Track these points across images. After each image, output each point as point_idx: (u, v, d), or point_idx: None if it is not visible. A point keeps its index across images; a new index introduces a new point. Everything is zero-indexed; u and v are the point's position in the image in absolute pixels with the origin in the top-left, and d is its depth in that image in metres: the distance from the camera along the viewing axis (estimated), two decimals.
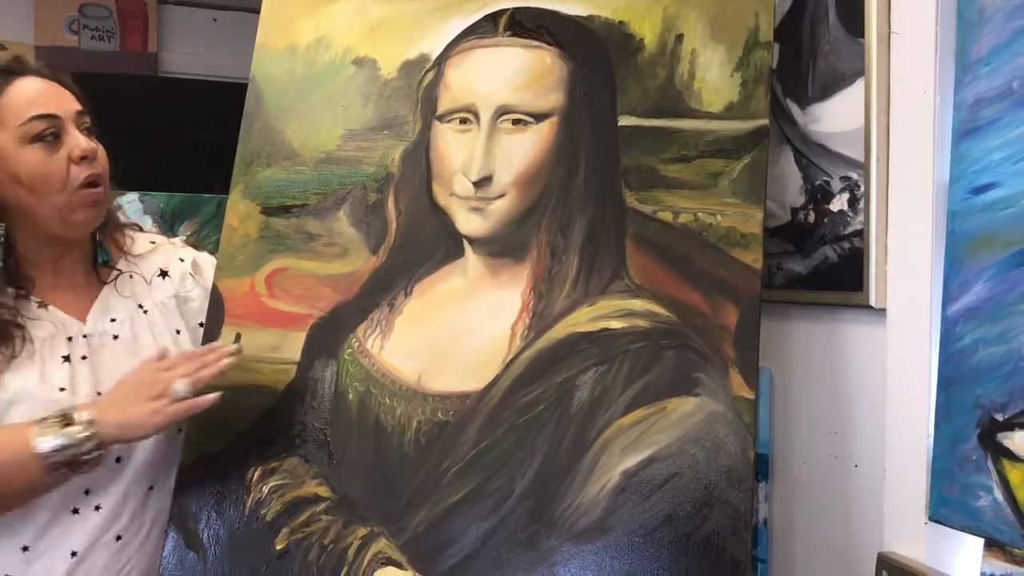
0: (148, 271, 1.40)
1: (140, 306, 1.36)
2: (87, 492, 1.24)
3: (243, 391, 1.31)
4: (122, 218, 1.43)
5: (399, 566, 1.18)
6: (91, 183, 1.26)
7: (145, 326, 1.35)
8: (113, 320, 1.32)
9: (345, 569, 1.20)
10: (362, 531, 1.21)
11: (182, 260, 1.44)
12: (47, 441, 1.12)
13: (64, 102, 1.28)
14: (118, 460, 1.26)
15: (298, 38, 1.43)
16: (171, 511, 1.29)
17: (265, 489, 1.27)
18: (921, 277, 1.12)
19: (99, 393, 1.25)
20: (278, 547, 1.23)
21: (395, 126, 1.36)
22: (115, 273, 1.36)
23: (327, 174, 1.37)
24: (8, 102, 1.24)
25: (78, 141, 1.26)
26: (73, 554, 1.23)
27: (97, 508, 1.25)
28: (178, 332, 1.38)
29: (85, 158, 1.25)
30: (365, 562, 1.20)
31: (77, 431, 1.13)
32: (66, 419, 1.13)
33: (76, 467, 1.14)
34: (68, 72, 1.35)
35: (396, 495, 1.21)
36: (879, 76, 1.20)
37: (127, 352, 1.30)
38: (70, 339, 1.27)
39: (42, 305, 1.28)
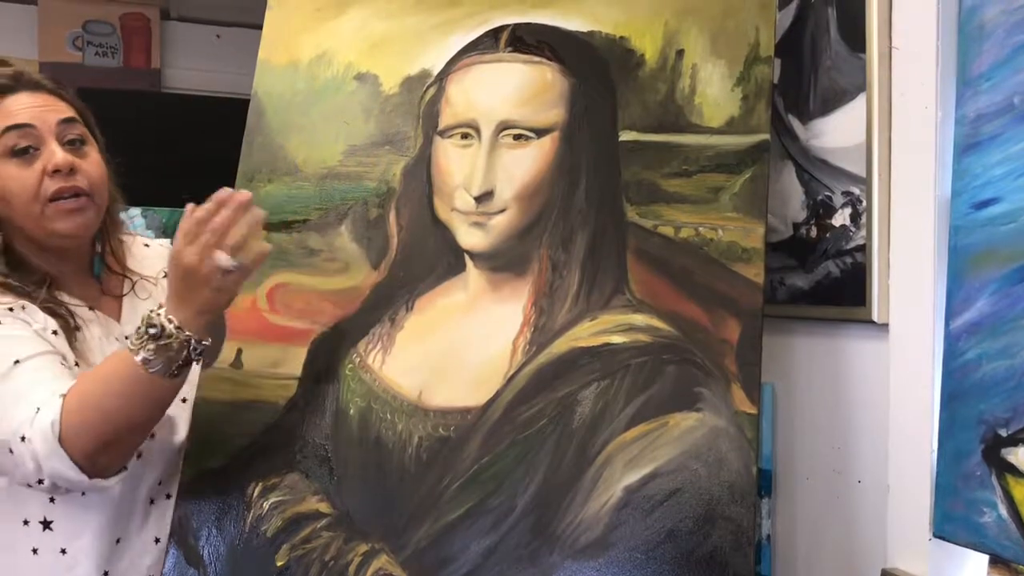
0: (152, 271, 1.43)
1: (160, 305, 1.35)
2: (160, 483, 1.32)
3: (244, 406, 1.30)
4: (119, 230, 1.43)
5: None
6: (65, 195, 1.25)
7: None
8: None
9: None
10: (363, 547, 1.21)
11: None
12: (150, 356, 1.09)
13: (47, 113, 1.27)
14: (180, 452, 1.32)
15: (300, 54, 1.44)
16: (171, 527, 1.28)
17: (266, 505, 1.26)
18: (923, 292, 1.12)
19: None
20: (279, 563, 1.22)
21: (396, 141, 1.36)
22: (129, 283, 1.39)
23: (329, 189, 1.38)
24: None
25: (53, 154, 1.24)
26: (156, 540, 1.31)
27: (168, 496, 1.33)
28: None
29: (58, 171, 1.24)
30: None
31: (172, 333, 1.09)
32: (152, 330, 1.09)
33: (188, 362, 1.12)
34: (72, 85, 1.34)
35: (397, 511, 1.21)
36: (880, 91, 1.20)
37: None
38: (117, 340, 1.32)
39: (92, 308, 1.32)
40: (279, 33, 1.47)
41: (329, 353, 1.31)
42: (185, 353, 1.09)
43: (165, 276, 1.38)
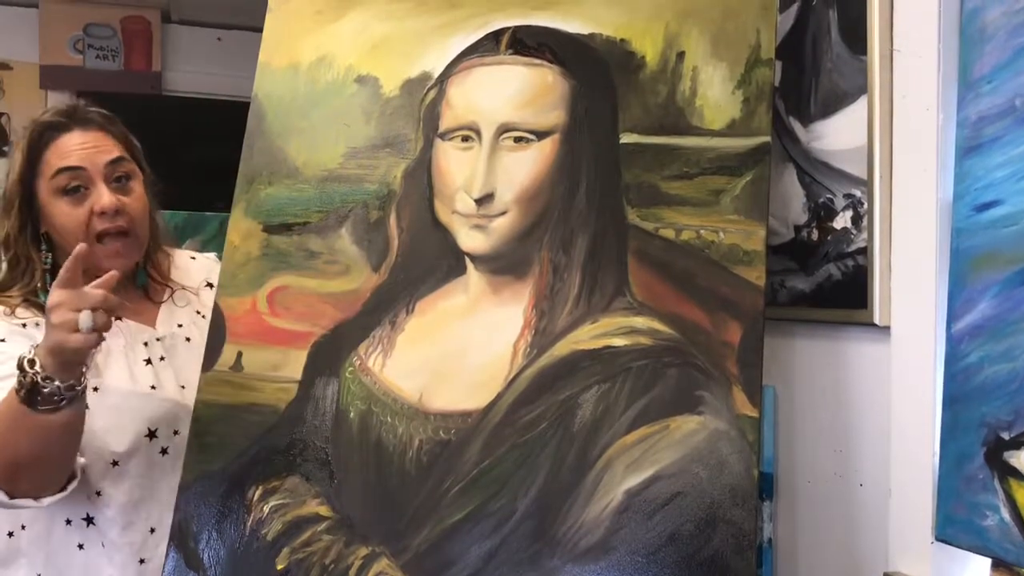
0: (194, 282, 1.54)
1: (198, 312, 1.50)
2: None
3: (244, 409, 1.30)
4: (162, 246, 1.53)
5: None
6: (111, 233, 1.36)
7: (207, 328, 1.41)
8: (180, 325, 1.47)
9: None
10: (363, 551, 1.20)
11: None
12: (20, 389, 1.15)
13: (97, 154, 1.37)
14: (164, 452, 1.39)
15: (300, 56, 1.44)
16: (171, 530, 1.28)
17: (266, 508, 1.26)
18: (925, 295, 1.12)
19: (183, 387, 1.41)
20: (279, 567, 1.22)
21: (397, 144, 1.36)
22: (169, 291, 1.50)
23: (329, 192, 1.37)
24: (48, 155, 1.36)
25: (101, 195, 1.35)
26: (152, 531, 1.39)
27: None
28: None
29: (105, 213, 1.34)
30: None
31: (28, 368, 1.14)
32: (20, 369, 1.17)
33: (55, 403, 1.15)
34: (117, 119, 1.44)
35: (397, 514, 1.20)
36: (882, 94, 1.20)
37: (199, 352, 1.38)
38: (146, 344, 1.42)
39: (118, 319, 1.35)
40: (279, 36, 1.47)
41: (329, 356, 1.31)
42: (42, 389, 1.14)
43: (208, 286, 1.53)
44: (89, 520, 1.37)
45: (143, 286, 1.48)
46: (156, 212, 1.49)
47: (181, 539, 1.27)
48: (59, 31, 3.84)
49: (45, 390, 1.14)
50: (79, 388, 1.17)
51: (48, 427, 1.17)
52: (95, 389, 1.33)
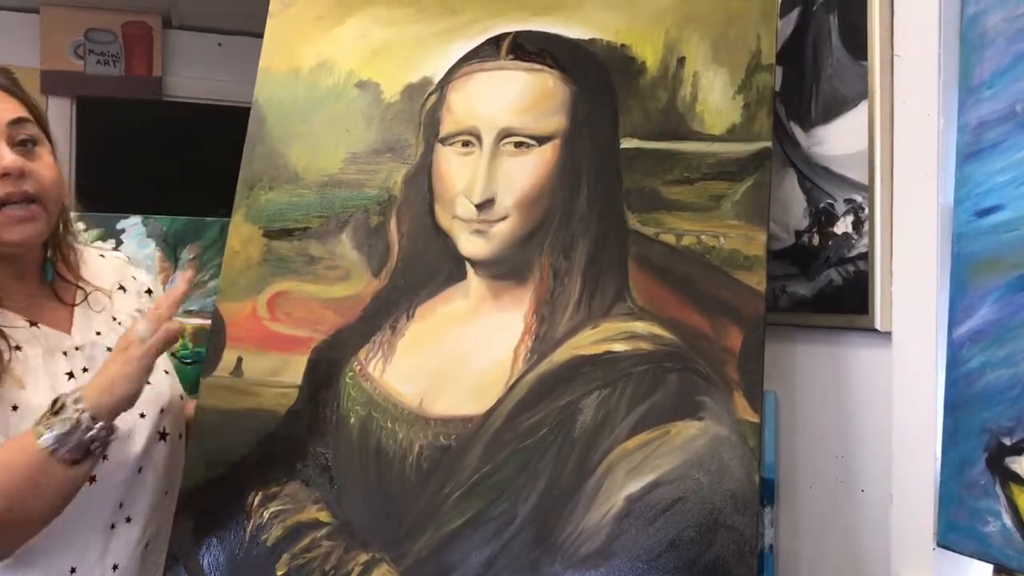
0: (107, 283, 1.37)
1: (114, 318, 1.34)
2: (120, 505, 1.25)
3: (244, 415, 1.30)
4: (73, 237, 1.36)
5: None
6: (15, 200, 1.18)
7: None
8: (99, 333, 1.30)
9: None
10: (363, 557, 1.20)
11: (135, 278, 1.43)
12: (49, 434, 1.07)
13: None
14: (140, 471, 1.27)
15: (301, 62, 1.44)
16: (171, 536, 1.28)
17: (266, 514, 1.26)
18: (926, 300, 1.11)
19: None
20: (279, 573, 1.22)
21: (397, 149, 1.36)
22: (82, 292, 1.32)
23: (329, 197, 1.37)
24: None
25: (2, 156, 1.17)
26: (115, 567, 1.24)
27: (128, 520, 1.26)
28: None
29: (7, 175, 1.17)
30: None
31: (70, 412, 1.07)
32: (56, 406, 1.09)
33: (88, 451, 1.08)
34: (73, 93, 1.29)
35: (398, 520, 1.20)
36: (882, 99, 1.20)
37: None
38: (65, 353, 1.25)
39: (34, 324, 1.24)
40: (280, 41, 1.47)
41: (330, 361, 1.30)
42: (85, 435, 1.06)
43: (120, 289, 1.38)
44: None
45: (51, 283, 1.30)
46: (67, 194, 1.31)
47: (180, 545, 1.26)
48: (60, 36, 3.84)
49: (87, 435, 1.06)
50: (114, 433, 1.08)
51: (82, 477, 1.09)
52: (14, 408, 1.16)
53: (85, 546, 1.22)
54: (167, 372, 1.36)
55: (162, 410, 1.31)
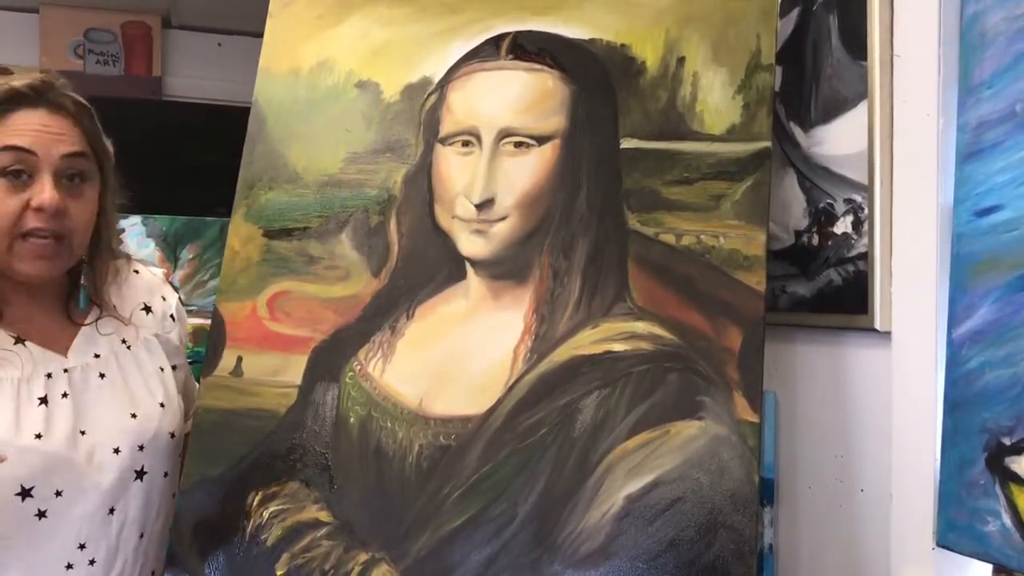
0: (130, 305, 1.35)
1: (123, 341, 1.31)
2: (82, 547, 1.20)
3: (244, 415, 1.30)
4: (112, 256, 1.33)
5: None
6: (42, 235, 1.17)
7: (131, 363, 1.30)
8: (97, 356, 1.27)
9: None
10: (363, 556, 1.20)
11: (164, 299, 1.40)
12: None
13: (56, 142, 1.18)
14: (111, 512, 1.22)
15: (301, 62, 1.44)
16: (171, 536, 1.28)
17: (266, 514, 1.26)
18: (926, 300, 1.11)
19: (82, 432, 1.20)
20: (279, 573, 1.22)
21: (397, 149, 1.36)
22: (94, 314, 1.29)
23: (329, 197, 1.37)
24: (2, 127, 1.16)
25: (44, 189, 1.16)
26: None
27: (92, 562, 1.21)
28: (162, 369, 1.34)
29: (42, 210, 1.15)
30: None
31: None
32: None
33: None
34: (92, 113, 1.25)
35: (397, 520, 1.20)
36: (882, 99, 1.20)
37: (112, 390, 1.26)
38: (49, 376, 1.21)
39: (19, 341, 1.21)
40: (280, 41, 1.47)
41: (329, 361, 1.30)
42: None
43: (144, 310, 1.35)
44: None
45: (66, 303, 1.28)
46: (113, 222, 1.32)
47: (180, 545, 1.26)
48: (60, 36, 3.84)
49: None
50: None
51: None
52: None
53: None
54: (163, 405, 1.30)
55: (141, 447, 1.25)
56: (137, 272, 1.40)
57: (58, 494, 1.17)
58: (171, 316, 1.40)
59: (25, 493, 1.14)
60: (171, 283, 1.49)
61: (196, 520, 1.27)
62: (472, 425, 1.21)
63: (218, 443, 1.30)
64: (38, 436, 1.16)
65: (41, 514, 1.16)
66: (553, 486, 1.16)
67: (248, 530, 1.25)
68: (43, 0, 3.79)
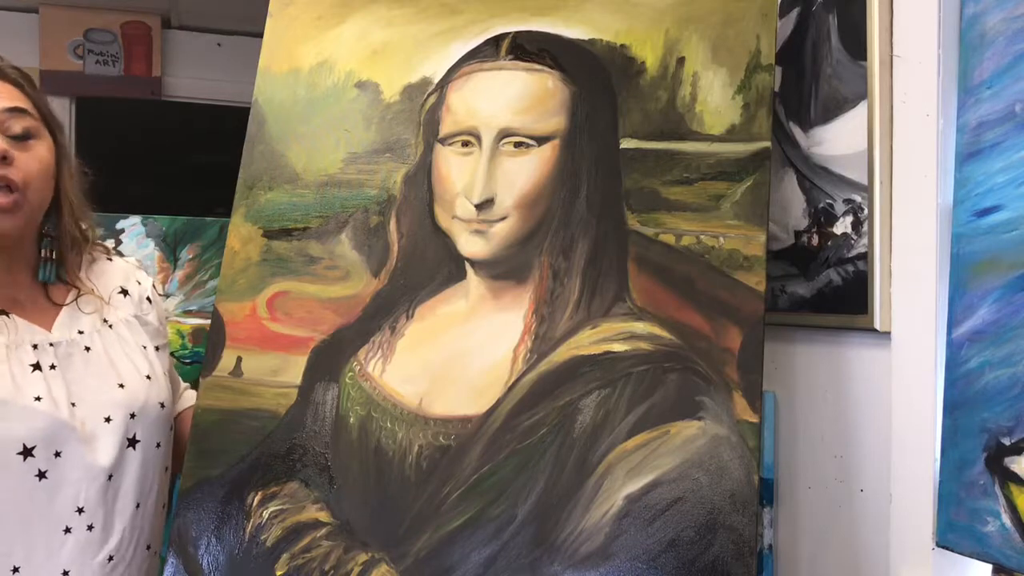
0: (106, 288, 1.36)
1: (105, 320, 1.32)
2: (80, 511, 1.21)
3: (243, 415, 1.30)
4: (84, 241, 1.35)
5: None
6: None
7: (114, 340, 1.32)
8: (80, 332, 1.28)
9: None
10: (363, 557, 1.20)
11: (139, 283, 1.42)
12: None
13: None
14: (110, 477, 1.24)
15: (301, 62, 1.44)
16: (171, 536, 1.28)
17: (265, 514, 1.26)
18: (926, 300, 1.11)
19: (73, 405, 1.21)
20: (278, 573, 1.22)
21: (397, 149, 1.36)
22: (73, 293, 1.30)
23: (329, 197, 1.37)
24: None
25: None
26: (65, 573, 1.20)
27: (90, 527, 1.22)
28: (144, 348, 1.36)
29: None
30: None
31: None
32: None
33: None
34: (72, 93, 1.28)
35: (397, 520, 1.20)
36: (882, 99, 1.20)
37: (98, 364, 1.27)
38: (35, 347, 1.22)
39: (3, 312, 1.22)
40: (280, 41, 1.47)
41: (329, 361, 1.30)
42: None
43: (121, 292, 1.37)
44: None
45: (44, 282, 1.28)
46: (77, 200, 1.31)
47: (180, 545, 1.26)
48: (59, 36, 3.84)
49: None
50: None
51: None
52: None
53: (31, 546, 1.18)
54: (149, 377, 1.32)
55: (132, 415, 1.27)
56: (111, 260, 1.42)
57: (57, 455, 1.18)
58: (147, 299, 1.42)
59: (27, 452, 1.16)
60: (145, 271, 1.49)
61: (196, 520, 1.27)
62: (472, 425, 1.21)
63: (218, 443, 1.30)
64: (38, 399, 1.18)
65: (42, 474, 1.17)
66: (553, 486, 1.16)
67: (248, 530, 1.25)
68: (43, 0, 3.79)
